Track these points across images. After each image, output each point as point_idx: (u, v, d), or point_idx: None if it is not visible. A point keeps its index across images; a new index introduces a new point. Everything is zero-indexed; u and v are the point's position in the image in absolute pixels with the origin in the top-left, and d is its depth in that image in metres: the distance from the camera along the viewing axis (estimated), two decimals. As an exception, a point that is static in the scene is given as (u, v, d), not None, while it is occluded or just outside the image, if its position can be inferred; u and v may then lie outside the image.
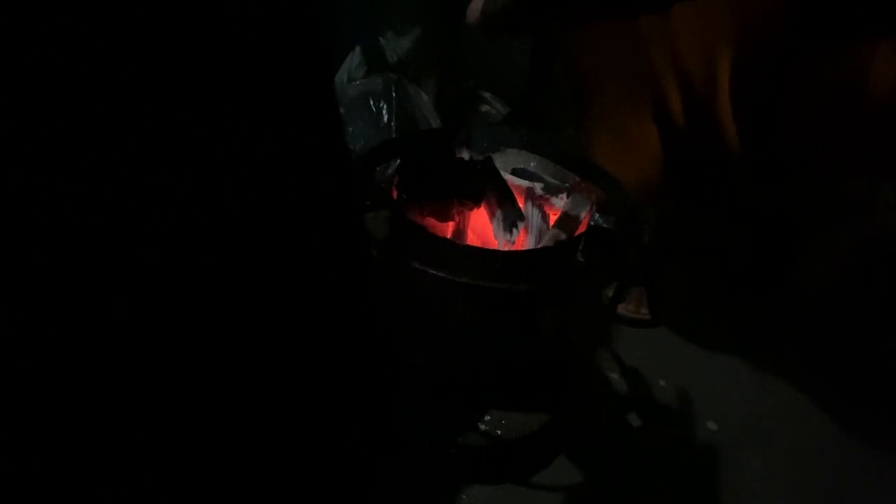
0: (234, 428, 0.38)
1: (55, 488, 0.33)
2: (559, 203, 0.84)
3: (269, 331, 0.38)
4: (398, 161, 0.83)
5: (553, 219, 0.83)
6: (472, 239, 0.81)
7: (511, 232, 0.77)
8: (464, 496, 0.83)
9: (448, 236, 0.79)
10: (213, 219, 0.34)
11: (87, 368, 0.32)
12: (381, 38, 1.33)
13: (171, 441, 0.36)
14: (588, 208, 0.82)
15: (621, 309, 1.09)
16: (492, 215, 0.79)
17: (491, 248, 0.79)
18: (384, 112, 1.19)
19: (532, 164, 0.89)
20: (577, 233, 0.81)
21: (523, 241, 0.81)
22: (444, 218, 0.78)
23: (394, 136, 1.17)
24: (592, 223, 0.81)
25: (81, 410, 0.33)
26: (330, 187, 0.41)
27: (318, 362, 0.43)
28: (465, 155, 0.85)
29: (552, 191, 0.85)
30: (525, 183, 0.86)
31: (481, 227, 0.81)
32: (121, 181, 0.30)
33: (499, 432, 0.85)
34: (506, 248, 0.78)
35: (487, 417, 0.85)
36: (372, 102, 1.19)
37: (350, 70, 1.28)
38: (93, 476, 0.34)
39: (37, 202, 0.29)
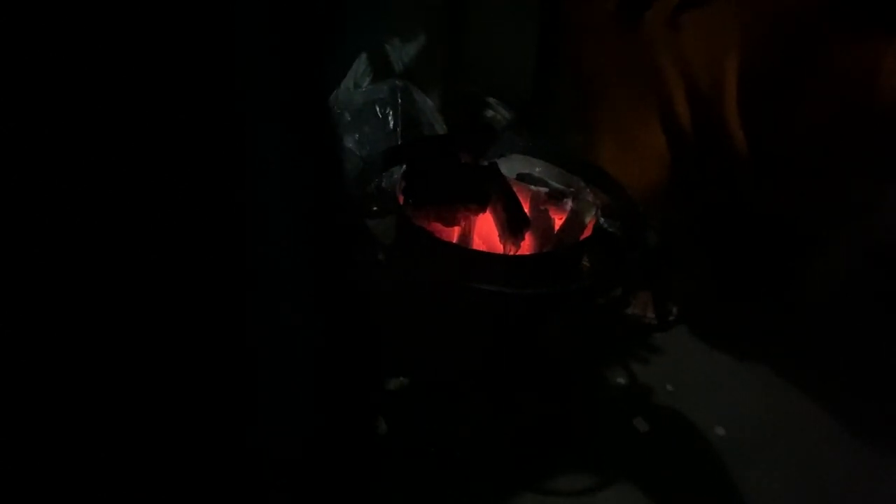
0: (227, 428, 0.38)
1: None
2: (564, 208, 0.84)
3: (255, 332, 0.38)
4: (404, 167, 0.83)
5: (558, 223, 0.84)
6: (477, 244, 0.81)
7: (516, 236, 0.77)
8: (468, 500, 0.83)
9: (454, 241, 0.80)
10: (197, 219, 0.33)
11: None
12: (386, 45, 1.34)
13: (161, 438, 0.35)
14: (593, 213, 0.82)
15: (628, 313, 1.09)
16: (497, 220, 0.80)
17: (496, 252, 0.80)
18: (390, 118, 1.20)
19: (537, 169, 0.90)
20: (583, 237, 0.81)
21: (529, 245, 0.81)
22: (450, 223, 0.78)
23: (400, 142, 1.18)
24: (598, 227, 0.82)
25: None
26: (321, 192, 0.41)
27: (305, 362, 0.43)
28: (471, 160, 0.86)
29: (557, 195, 0.85)
30: (530, 188, 0.86)
31: (487, 232, 0.82)
32: (109, 183, 0.30)
33: (504, 436, 0.85)
34: (511, 253, 0.78)
35: (493, 421, 0.85)
36: (378, 109, 1.20)
37: (356, 77, 1.28)
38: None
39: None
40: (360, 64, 1.29)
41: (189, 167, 0.32)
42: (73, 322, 0.32)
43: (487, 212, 0.80)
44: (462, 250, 0.78)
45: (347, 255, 0.46)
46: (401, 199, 0.79)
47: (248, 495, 0.40)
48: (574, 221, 0.82)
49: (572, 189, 0.87)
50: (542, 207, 0.83)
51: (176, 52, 0.30)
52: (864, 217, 1.06)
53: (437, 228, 0.78)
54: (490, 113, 1.42)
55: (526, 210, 0.81)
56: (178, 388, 0.36)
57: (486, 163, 0.85)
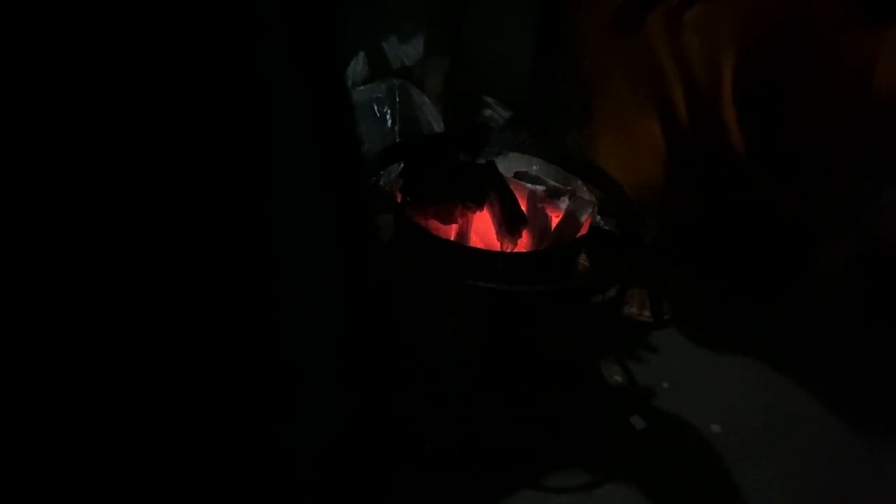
0: (240, 428, 0.38)
1: None
2: (561, 206, 0.84)
3: (274, 329, 0.38)
4: (402, 164, 0.84)
5: (555, 221, 0.84)
6: (475, 241, 0.82)
7: (513, 234, 0.78)
8: (466, 497, 0.83)
9: (451, 238, 0.80)
10: (223, 217, 0.34)
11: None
12: (384, 44, 1.34)
13: (173, 439, 0.36)
14: (590, 211, 0.82)
15: (624, 311, 1.09)
16: (494, 218, 0.80)
17: (493, 250, 0.80)
18: (388, 117, 1.20)
19: (534, 167, 0.90)
20: (579, 235, 0.81)
21: (526, 243, 0.81)
22: (448, 220, 0.78)
23: (398, 140, 1.18)
24: (594, 225, 0.82)
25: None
26: (341, 187, 0.42)
27: (322, 361, 0.43)
28: (469, 158, 0.86)
29: (554, 194, 0.85)
30: (527, 186, 0.86)
31: (484, 230, 0.82)
32: (131, 182, 0.30)
33: (501, 433, 0.85)
34: (508, 250, 0.79)
35: (490, 418, 0.86)
36: (376, 107, 1.20)
37: (354, 75, 1.28)
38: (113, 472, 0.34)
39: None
40: (358, 62, 1.29)
41: (212, 163, 0.33)
42: (104, 315, 0.32)
43: (484, 210, 0.80)
44: (459, 248, 0.78)
45: (368, 252, 0.47)
46: (398, 197, 0.79)
47: (275, 491, 0.40)
48: (570, 219, 0.82)
49: (569, 187, 0.87)
50: (539, 205, 0.84)
51: (194, 50, 0.31)
52: (861, 216, 1.06)
53: (435, 226, 0.79)
54: (488, 112, 1.42)
55: (523, 208, 0.81)
56: (206, 386, 0.36)
57: (483, 161, 0.85)
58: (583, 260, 0.89)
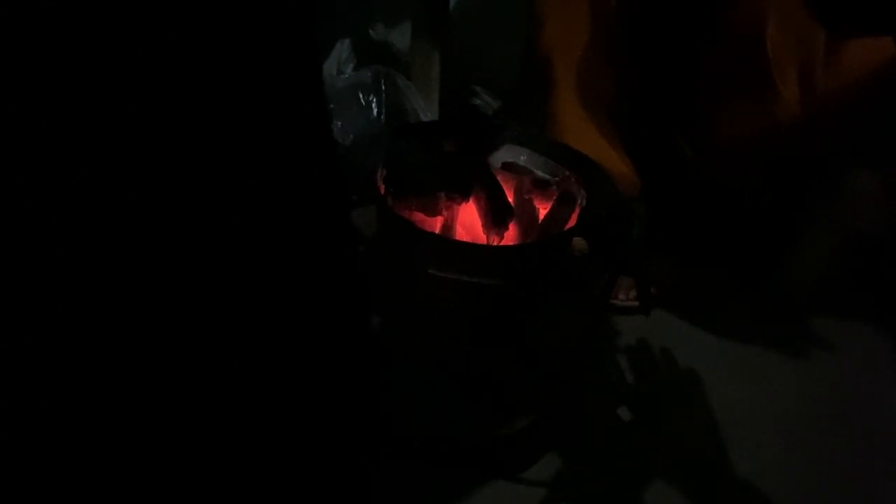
0: (223, 428, 0.38)
1: (50, 489, 0.33)
2: (549, 197, 0.83)
3: (256, 329, 0.38)
4: (384, 154, 0.82)
5: (543, 213, 0.82)
6: (460, 234, 0.80)
7: (500, 226, 0.76)
8: (453, 493, 0.82)
9: (436, 231, 0.78)
10: (196, 216, 0.33)
11: (77, 370, 0.32)
12: (370, 31, 1.32)
13: (160, 441, 0.35)
14: (579, 202, 0.81)
15: (610, 301, 1.08)
16: (481, 210, 0.78)
17: (480, 243, 0.78)
18: (374, 105, 1.17)
19: (522, 157, 0.88)
20: (568, 227, 0.80)
21: (513, 235, 0.80)
22: (432, 213, 0.77)
23: (384, 129, 1.16)
24: (583, 217, 0.80)
25: (70, 411, 0.32)
26: (317, 181, 0.41)
27: (306, 360, 0.42)
28: (454, 148, 0.84)
29: (542, 185, 0.84)
30: (515, 177, 0.85)
31: (470, 222, 0.80)
32: (100, 179, 0.29)
33: (489, 428, 0.84)
34: (495, 243, 0.77)
35: (477, 413, 0.85)
36: (361, 95, 1.18)
37: (339, 62, 1.26)
38: (84, 476, 0.34)
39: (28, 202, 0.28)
40: (344, 49, 1.27)
41: (183, 162, 0.32)
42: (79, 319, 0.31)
43: (470, 201, 0.78)
44: (444, 241, 0.76)
45: (349, 244, 0.46)
46: (381, 188, 0.77)
47: (270, 489, 0.40)
48: (559, 211, 0.81)
49: (557, 178, 0.85)
50: (527, 196, 0.82)
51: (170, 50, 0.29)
52: (841, 205, 1.07)
53: (419, 218, 0.77)
54: (476, 101, 1.40)
55: (510, 200, 0.79)
56: (200, 386, 0.36)
57: (470, 151, 0.83)
58: (575, 249, 0.88)
